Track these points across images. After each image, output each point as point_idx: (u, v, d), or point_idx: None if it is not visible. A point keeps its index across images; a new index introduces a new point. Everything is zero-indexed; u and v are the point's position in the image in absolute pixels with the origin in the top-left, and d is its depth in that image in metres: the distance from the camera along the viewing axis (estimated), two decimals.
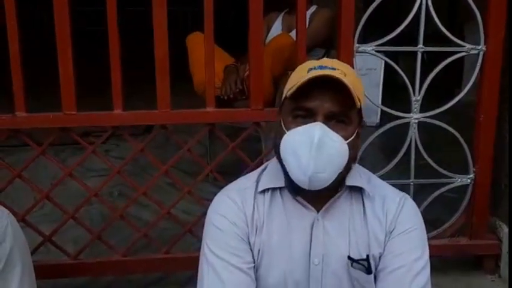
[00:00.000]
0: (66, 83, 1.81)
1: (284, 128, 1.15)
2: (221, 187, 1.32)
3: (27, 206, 1.90)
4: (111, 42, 1.81)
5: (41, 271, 1.57)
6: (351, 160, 1.16)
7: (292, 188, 1.19)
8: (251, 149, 2.36)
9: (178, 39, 2.50)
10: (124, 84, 1.86)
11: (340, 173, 1.14)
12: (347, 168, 1.16)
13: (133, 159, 1.98)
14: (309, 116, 1.12)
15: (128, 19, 3.31)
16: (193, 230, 1.94)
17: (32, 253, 1.70)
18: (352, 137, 1.14)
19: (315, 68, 1.13)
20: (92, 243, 1.95)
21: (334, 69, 1.13)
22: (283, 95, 1.18)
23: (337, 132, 1.11)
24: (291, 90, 1.12)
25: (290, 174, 1.14)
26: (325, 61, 1.19)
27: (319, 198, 1.19)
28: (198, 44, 2.46)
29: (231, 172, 1.64)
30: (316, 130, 1.09)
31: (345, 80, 1.09)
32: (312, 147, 1.08)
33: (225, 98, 2.56)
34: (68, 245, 2.03)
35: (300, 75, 1.13)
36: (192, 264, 1.26)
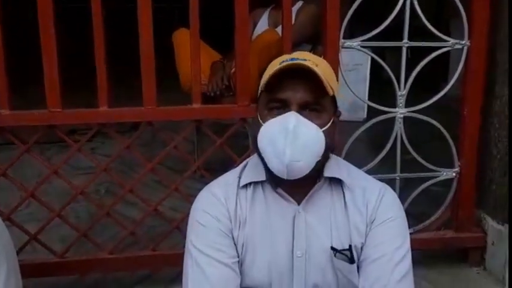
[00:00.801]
0: (50, 80, 1.80)
1: (261, 121, 1.17)
2: (208, 184, 1.32)
3: (12, 204, 1.89)
4: (96, 39, 1.80)
5: (28, 270, 1.57)
6: (328, 148, 1.18)
7: (273, 180, 1.20)
8: (239, 145, 2.35)
9: (165, 35, 2.49)
10: (111, 80, 1.84)
11: (318, 161, 1.16)
12: (325, 157, 1.18)
13: (119, 156, 1.97)
14: (283, 107, 1.15)
15: (115, 15, 3.27)
16: (181, 227, 1.93)
17: (18, 252, 1.70)
18: (328, 125, 1.16)
19: (286, 61, 1.16)
20: (79, 241, 1.94)
21: (305, 60, 1.15)
22: (259, 90, 1.20)
23: (311, 120, 1.14)
24: (263, 82, 1.15)
25: (268, 164, 1.16)
26: (297, 54, 1.23)
27: (299, 190, 1.21)
28: (184, 40, 2.45)
29: (218, 169, 1.64)
30: (291, 119, 1.12)
31: (316, 69, 1.12)
32: (288, 135, 1.11)
33: (212, 94, 2.55)
34: (55, 243, 2.01)
35: (273, 68, 1.15)
36: (179, 261, 1.26)
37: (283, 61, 1.16)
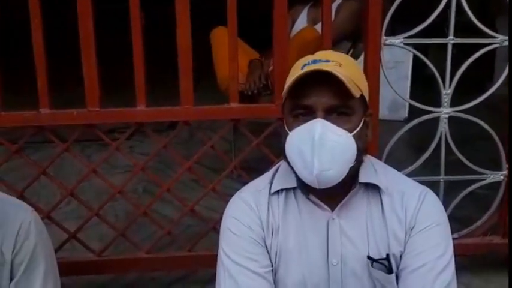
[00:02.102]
0: (90, 80, 1.81)
1: (287, 128, 1.13)
2: (245, 183, 1.30)
3: (53, 202, 1.91)
4: (134, 39, 1.80)
5: (66, 268, 1.58)
6: (361, 152, 1.13)
7: (304, 187, 1.16)
8: (276, 145, 2.33)
9: (202, 34, 2.48)
10: (147, 79, 1.84)
11: (352, 167, 1.11)
12: (358, 161, 1.13)
13: (157, 155, 1.97)
14: (309, 114, 1.09)
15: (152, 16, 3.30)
16: (217, 227, 1.90)
17: (57, 250, 1.71)
18: (358, 128, 1.11)
19: (308, 64, 1.11)
20: (117, 240, 1.95)
21: (328, 61, 1.10)
22: (283, 97, 1.15)
23: (340, 125, 1.08)
24: (285, 89, 1.10)
25: (298, 175, 1.12)
26: (320, 54, 1.17)
27: (332, 196, 1.16)
28: (222, 38, 2.44)
29: (255, 168, 1.62)
30: (317, 127, 1.07)
31: (339, 70, 1.06)
32: (314, 145, 1.06)
33: (249, 93, 2.53)
34: (93, 241, 2.03)
35: (295, 72, 1.11)
36: (215, 262, 1.25)
37: (304, 64, 1.11)
